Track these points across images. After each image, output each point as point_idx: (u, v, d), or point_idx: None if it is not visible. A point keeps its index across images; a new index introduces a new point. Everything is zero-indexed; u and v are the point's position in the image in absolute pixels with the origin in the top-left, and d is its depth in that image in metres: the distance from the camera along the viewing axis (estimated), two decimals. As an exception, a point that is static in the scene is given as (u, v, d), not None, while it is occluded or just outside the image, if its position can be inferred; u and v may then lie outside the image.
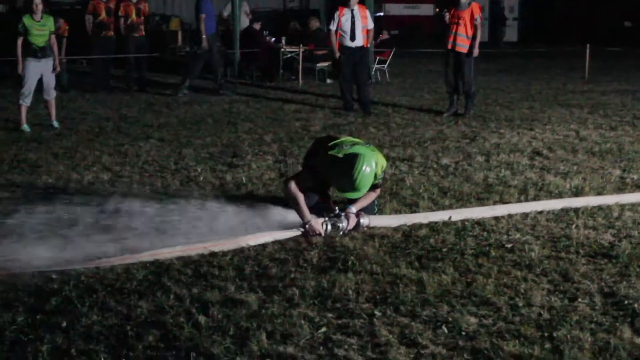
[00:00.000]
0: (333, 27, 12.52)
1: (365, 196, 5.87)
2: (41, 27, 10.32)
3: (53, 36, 10.60)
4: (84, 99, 13.99)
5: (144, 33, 15.55)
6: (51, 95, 10.67)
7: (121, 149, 9.17)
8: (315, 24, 18.00)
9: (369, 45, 13.17)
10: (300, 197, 5.74)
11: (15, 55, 10.40)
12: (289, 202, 5.87)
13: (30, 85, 10.39)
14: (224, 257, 5.24)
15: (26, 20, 10.26)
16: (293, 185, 5.75)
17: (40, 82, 10.53)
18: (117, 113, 12.28)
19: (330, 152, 5.81)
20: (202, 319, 4.21)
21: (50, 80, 10.59)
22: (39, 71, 10.41)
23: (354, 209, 5.83)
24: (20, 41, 10.24)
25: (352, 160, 5.66)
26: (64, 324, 4.15)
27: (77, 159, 8.59)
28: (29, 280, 4.76)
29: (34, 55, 10.30)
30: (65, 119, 11.60)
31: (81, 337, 4.00)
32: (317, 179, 5.89)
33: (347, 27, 12.43)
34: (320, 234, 5.66)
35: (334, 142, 5.97)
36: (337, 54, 12.57)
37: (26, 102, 10.38)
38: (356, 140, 6.17)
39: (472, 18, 11.83)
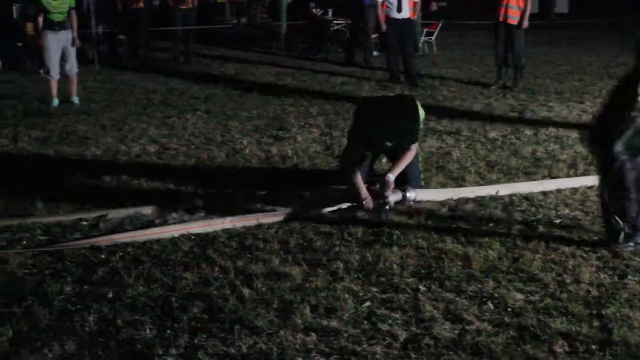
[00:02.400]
0: None
1: (402, 158, 5.78)
2: (59, 6, 10.23)
3: (73, 11, 10.47)
4: (132, 71, 14.07)
5: (191, 5, 15.56)
6: (72, 70, 10.57)
7: (168, 121, 9.22)
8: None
9: (415, 17, 13.01)
10: (358, 176, 5.69)
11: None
12: (345, 180, 5.82)
13: (51, 58, 10.34)
14: (269, 229, 5.24)
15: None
16: (349, 163, 5.72)
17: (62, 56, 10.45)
18: (164, 85, 12.33)
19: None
20: (246, 291, 4.22)
21: (70, 54, 10.47)
22: (59, 44, 10.33)
23: (392, 176, 5.74)
24: (40, 17, 10.24)
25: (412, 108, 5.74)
26: (111, 295, 4.20)
27: (125, 131, 8.66)
28: (77, 251, 4.82)
29: (51, 28, 10.25)
30: (114, 91, 11.71)
31: (127, 308, 4.04)
32: (370, 145, 5.82)
33: None
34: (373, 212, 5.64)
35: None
36: (384, 26, 12.45)
37: (53, 75, 10.36)
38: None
39: (523, -11, 11.62)
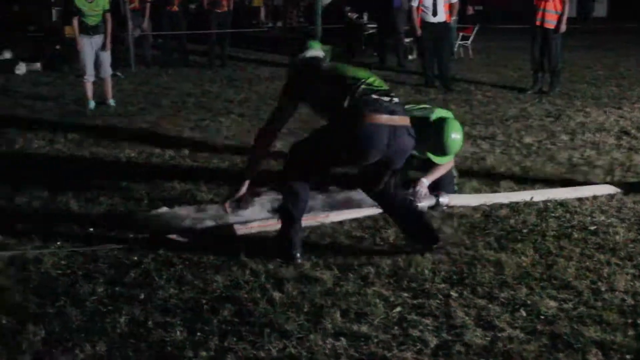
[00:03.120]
0: (415, 3, 12.38)
1: (440, 166, 5.78)
2: (94, 8, 10.30)
3: (108, 14, 10.53)
4: (167, 74, 14.18)
5: (226, 9, 15.63)
6: (106, 73, 10.62)
7: (202, 124, 9.27)
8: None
9: (451, 21, 12.94)
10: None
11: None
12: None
13: (85, 61, 10.41)
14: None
15: (77, 1, 10.28)
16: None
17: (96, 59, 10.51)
18: (199, 88, 12.41)
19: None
20: (276, 295, 4.22)
21: (103, 58, 10.53)
22: (93, 47, 10.39)
23: (426, 180, 5.73)
24: (75, 20, 10.33)
25: (441, 124, 5.55)
26: (142, 296, 4.22)
27: (159, 133, 8.71)
28: (110, 252, 4.86)
29: (85, 32, 10.33)
30: (149, 94, 11.81)
31: (158, 310, 4.05)
32: None
33: (428, 2, 12.26)
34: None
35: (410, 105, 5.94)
36: (419, 31, 12.41)
37: (87, 78, 10.44)
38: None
39: (561, -7, 11.52)
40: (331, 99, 4.61)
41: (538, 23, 11.64)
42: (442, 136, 5.49)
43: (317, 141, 4.69)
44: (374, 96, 4.52)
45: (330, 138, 4.60)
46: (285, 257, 4.70)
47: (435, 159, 5.69)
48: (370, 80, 4.63)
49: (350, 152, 4.55)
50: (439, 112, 5.76)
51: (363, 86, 4.55)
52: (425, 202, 5.66)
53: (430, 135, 5.51)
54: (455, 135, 5.51)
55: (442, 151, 5.59)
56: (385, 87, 4.72)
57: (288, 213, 4.74)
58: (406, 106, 5.90)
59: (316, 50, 4.99)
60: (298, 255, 4.70)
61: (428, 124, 5.56)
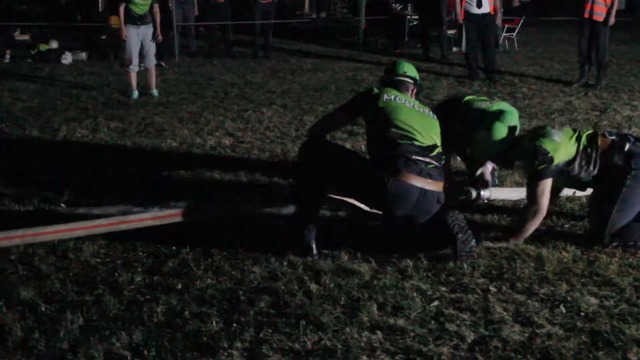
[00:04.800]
0: None
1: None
2: None
3: (156, 5, 10.62)
4: (211, 64, 14.25)
5: (270, 0, 15.65)
6: (151, 63, 10.71)
7: (244, 115, 9.29)
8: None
9: (496, 12, 12.79)
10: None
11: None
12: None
13: (130, 52, 10.49)
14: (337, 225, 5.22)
15: None
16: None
17: (141, 49, 10.60)
18: (242, 79, 12.45)
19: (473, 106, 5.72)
20: (313, 287, 4.20)
21: (149, 48, 10.61)
22: (139, 38, 10.48)
23: (489, 165, 5.60)
24: (122, 8, 10.38)
25: (499, 114, 5.45)
26: (179, 286, 4.24)
27: (201, 123, 8.76)
28: (149, 241, 4.89)
29: (132, 22, 10.41)
30: (192, 84, 11.87)
31: (195, 300, 4.07)
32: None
33: None
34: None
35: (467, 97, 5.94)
36: (460, 21, 12.30)
37: (132, 68, 10.53)
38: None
39: (610, -15, 11.32)
40: (379, 142, 4.73)
41: (586, 15, 11.44)
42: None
43: (350, 173, 4.73)
44: (415, 157, 4.59)
45: (363, 179, 4.67)
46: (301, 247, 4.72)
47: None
48: (419, 134, 4.68)
49: (378, 202, 4.72)
50: (501, 105, 5.69)
51: (409, 144, 4.62)
52: (468, 196, 5.58)
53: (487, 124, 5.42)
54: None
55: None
56: (431, 141, 4.73)
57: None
58: (467, 97, 5.88)
59: (403, 76, 5.07)
60: (314, 246, 4.71)
61: (487, 114, 5.51)
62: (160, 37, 10.79)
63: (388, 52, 16.47)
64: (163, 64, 13.45)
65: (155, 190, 6.02)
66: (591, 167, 4.86)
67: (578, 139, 4.90)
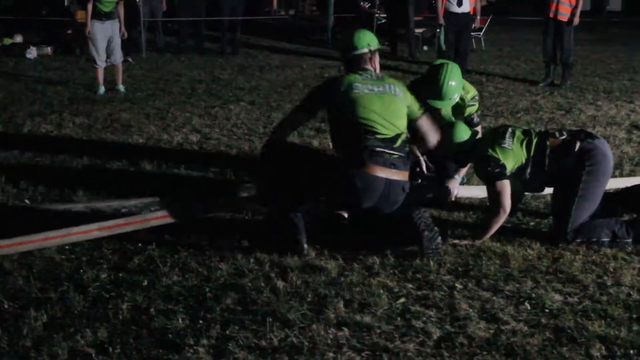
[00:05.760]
0: None
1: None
2: None
3: (121, 2, 10.54)
4: (178, 60, 14.17)
5: (238, -5, 15.60)
6: (117, 59, 10.60)
7: (211, 111, 9.25)
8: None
9: (475, 14, 12.87)
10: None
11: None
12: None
13: (97, 47, 10.39)
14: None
15: None
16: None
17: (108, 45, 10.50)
18: (210, 75, 12.40)
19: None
20: (280, 283, 4.20)
21: (115, 44, 10.50)
22: (105, 33, 10.38)
23: (458, 178, 5.71)
24: (89, 5, 10.30)
25: (438, 67, 5.59)
26: (145, 283, 4.21)
27: (168, 120, 8.71)
28: (114, 238, 4.85)
29: (98, 18, 10.31)
30: (160, 80, 11.80)
31: (161, 297, 4.05)
32: None
33: None
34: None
35: None
36: (441, 20, 12.34)
37: (99, 64, 10.44)
38: None
39: (575, -15, 11.43)
40: (342, 138, 4.77)
41: (551, 15, 11.54)
42: (439, 79, 5.48)
43: (314, 173, 4.75)
44: (379, 149, 4.63)
45: (328, 177, 4.71)
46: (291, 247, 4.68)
47: (432, 103, 5.56)
48: (381, 126, 4.68)
49: (345, 197, 4.74)
50: (442, 61, 5.84)
51: (372, 138, 4.63)
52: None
53: (432, 80, 5.55)
54: (451, 82, 5.49)
55: (438, 95, 5.53)
56: (394, 130, 4.73)
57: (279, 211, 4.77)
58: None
59: (359, 50, 4.93)
60: (305, 245, 4.68)
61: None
62: (124, 34, 10.67)
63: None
64: (130, 59, 13.34)
65: (121, 187, 5.97)
66: (543, 170, 4.93)
67: (529, 144, 4.96)
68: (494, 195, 4.91)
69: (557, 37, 11.62)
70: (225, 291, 4.12)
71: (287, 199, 4.75)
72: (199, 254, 4.63)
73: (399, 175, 4.69)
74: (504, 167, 4.86)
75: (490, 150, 4.91)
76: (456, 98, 5.61)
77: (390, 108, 4.76)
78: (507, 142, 4.93)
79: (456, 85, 5.53)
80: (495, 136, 5.04)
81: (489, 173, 4.90)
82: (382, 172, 4.60)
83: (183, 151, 7.28)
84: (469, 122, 5.75)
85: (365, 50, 4.92)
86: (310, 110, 5.02)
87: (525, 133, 5.05)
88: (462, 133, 5.14)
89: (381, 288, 4.18)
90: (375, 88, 4.78)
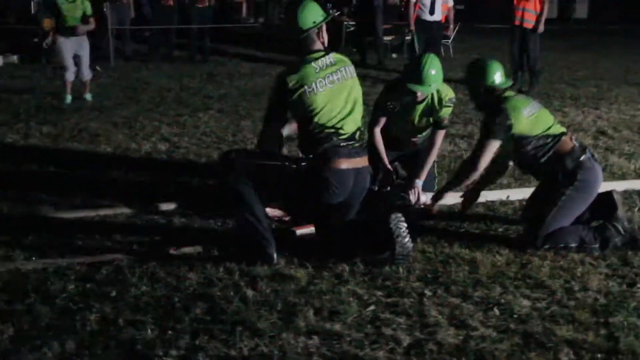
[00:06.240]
0: None
1: (428, 156, 5.85)
2: (72, 10, 10.19)
3: (91, 19, 10.42)
4: (147, 68, 14.11)
5: (207, 4, 15.56)
6: (85, 77, 10.52)
7: (180, 120, 9.22)
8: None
9: (448, 22, 13.00)
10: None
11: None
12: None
13: (65, 62, 10.33)
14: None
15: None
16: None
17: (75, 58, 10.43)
18: (179, 83, 12.37)
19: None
20: (249, 293, 4.18)
21: (82, 60, 10.41)
22: (71, 49, 10.30)
23: (419, 182, 5.75)
24: (54, 18, 10.28)
25: (421, 55, 5.84)
26: (114, 294, 4.17)
27: (136, 128, 8.67)
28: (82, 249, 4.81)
29: (63, 33, 10.26)
30: (128, 88, 11.75)
31: (129, 307, 4.01)
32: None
33: (427, 0, 12.26)
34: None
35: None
36: (412, 27, 12.40)
37: (67, 77, 10.36)
38: None
39: (541, -7, 11.55)
40: (306, 140, 4.77)
41: (517, 23, 11.65)
42: (421, 64, 5.62)
43: (281, 174, 4.73)
44: (342, 144, 4.68)
45: (296, 176, 4.72)
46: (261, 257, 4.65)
47: (411, 86, 5.66)
48: (340, 127, 4.69)
49: (318, 193, 4.73)
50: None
51: (335, 139, 4.67)
52: (422, 199, 5.74)
53: (414, 65, 5.72)
54: (432, 70, 5.61)
55: (417, 79, 5.62)
56: (352, 127, 4.76)
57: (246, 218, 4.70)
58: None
59: (306, 31, 4.73)
60: (274, 254, 4.66)
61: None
62: (82, 30, 10.39)
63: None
64: (98, 68, 13.25)
65: (89, 196, 5.92)
66: (542, 154, 4.98)
67: (546, 127, 5.02)
68: (479, 148, 5.05)
69: (523, 45, 11.73)
70: (194, 301, 4.10)
71: (252, 207, 4.68)
72: (167, 264, 4.59)
73: (363, 161, 4.80)
74: (508, 128, 4.94)
75: (508, 107, 4.97)
76: (434, 88, 5.70)
77: (350, 99, 4.76)
78: (528, 111, 5.00)
79: (436, 75, 5.63)
80: (523, 100, 5.11)
81: (490, 126, 4.99)
82: (349, 164, 4.67)
83: (151, 160, 7.24)
84: (439, 124, 5.83)
85: (312, 28, 4.72)
86: (279, 119, 4.88)
87: (551, 119, 5.12)
88: (498, 72, 5.18)
89: (351, 296, 4.18)
90: (334, 77, 4.71)
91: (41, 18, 15.66)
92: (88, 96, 10.55)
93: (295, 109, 4.71)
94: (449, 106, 5.89)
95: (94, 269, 4.51)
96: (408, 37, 15.87)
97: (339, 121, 4.67)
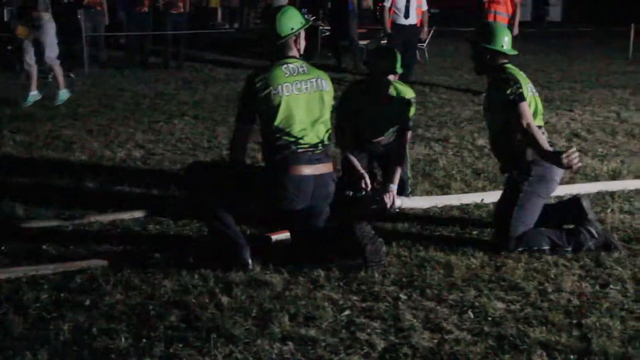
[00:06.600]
0: (387, 3, 12.42)
1: (397, 157, 5.87)
2: None
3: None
4: (122, 75, 14.04)
5: (182, 10, 15.52)
6: (49, 60, 10.68)
7: (155, 127, 9.17)
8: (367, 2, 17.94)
9: (422, 25, 13.05)
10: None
11: None
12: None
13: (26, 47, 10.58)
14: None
15: None
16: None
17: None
18: (154, 90, 12.31)
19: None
20: (225, 299, 4.17)
21: (44, 45, 10.60)
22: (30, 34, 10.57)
23: (393, 186, 5.76)
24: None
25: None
26: (87, 303, 4.14)
27: (111, 136, 8.62)
28: (55, 257, 4.78)
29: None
30: (102, 95, 11.68)
31: (103, 316, 3.99)
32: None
33: (401, 4, 12.31)
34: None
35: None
36: (389, 31, 12.44)
37: (27, 61, 10.60)
38: None
39: (512, -4, 11.63)
40: (268, 148, 4.72)
41: (489, 26, 11.69)
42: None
43: (242, 182, 4.72)
44: (301, 150, 4.63)
45: (257, 184, 4.70)
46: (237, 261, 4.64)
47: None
48: (303, 137, 4.64)
49: (277, 200, 4.69)
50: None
51: (293, 147, 4.61)
52: (397, 203, 5.75)
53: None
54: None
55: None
56: (316, 138, 4.71)
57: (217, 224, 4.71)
58: None
59: (283, 37, 4.68)
60: (249, 260, 4.65)
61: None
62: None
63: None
64: (72, 75, 13.17)
65: (63, 205, 5.88)
66: (516, 137, 5.01)
67: (536, 114, 5.10)
68: (519, 117, 4.91)
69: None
70: (169, 308, 4.08)
71: (218, 213, 4.68)
72: (142, 271, 4.57)
73: (325, 168, 4.72)
74: (521, 87, 4.95)
75: (516, 76, 5.03)
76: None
77: (315, 111, 4.69)
78: (530, 87, 5.09)
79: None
80: (525, 77, 5.17)
81: (511, 93, 4.95)
82: (309, 170, 4.62)
83: (126, 167, 7.21)
84: (404, 125, 5.86)
85: (290, 35, 4.69)
86: (249, 121, 4.73)
87: (541, 108, 5.20)
88: (507, 38, 5.19)
89: (326, 301, 4.19)
90: (302, 85, 4.66)
91: (15, 26, 15.56)
92: (63, 94, 10.51)
93: (260, 110, 4.63)
94: (412, 105, 5.89)
95: (67, 277, 4.48)
96: (384, 42, 15.96)
97: (300, 130, 4.61)
